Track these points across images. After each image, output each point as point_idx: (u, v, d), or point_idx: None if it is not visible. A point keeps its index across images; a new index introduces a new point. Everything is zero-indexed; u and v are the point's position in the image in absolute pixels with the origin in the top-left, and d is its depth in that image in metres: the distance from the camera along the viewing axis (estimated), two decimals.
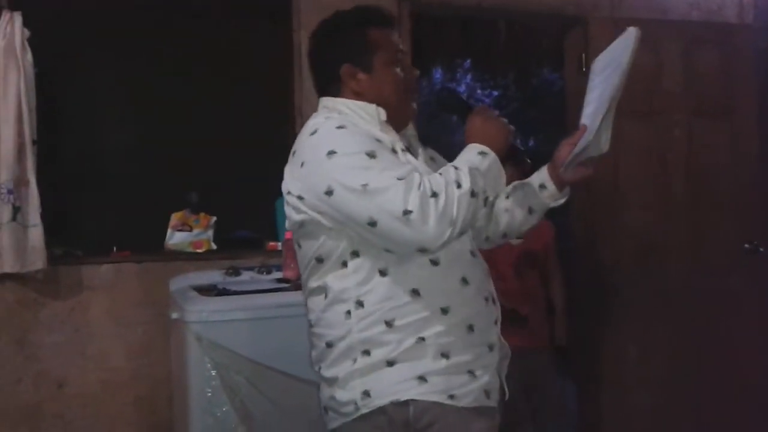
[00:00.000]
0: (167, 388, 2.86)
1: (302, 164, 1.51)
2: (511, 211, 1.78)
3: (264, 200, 3.18)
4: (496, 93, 6.86)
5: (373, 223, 1.43)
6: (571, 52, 3.58)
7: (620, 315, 3.43)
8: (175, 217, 3.04)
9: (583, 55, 3.40)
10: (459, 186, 1.44)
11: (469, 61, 6.29)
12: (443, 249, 1.47)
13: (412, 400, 1.50)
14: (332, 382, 1.57)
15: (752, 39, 3.68)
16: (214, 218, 3.08)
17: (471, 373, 1.55)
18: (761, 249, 3.49)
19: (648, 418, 3.44)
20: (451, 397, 1.52)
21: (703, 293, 3.43)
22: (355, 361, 1.53)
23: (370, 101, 1.61)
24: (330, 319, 1.56)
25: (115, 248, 2.96)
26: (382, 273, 1.51)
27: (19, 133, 2.63)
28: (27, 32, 2.67)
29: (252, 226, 3.24)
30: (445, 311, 1.53)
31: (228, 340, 2.39)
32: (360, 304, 1.52)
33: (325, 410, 1.63)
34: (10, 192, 2.60)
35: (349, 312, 1.53)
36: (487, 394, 1.58)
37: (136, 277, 2.90)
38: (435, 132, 6.22)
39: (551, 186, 1.73)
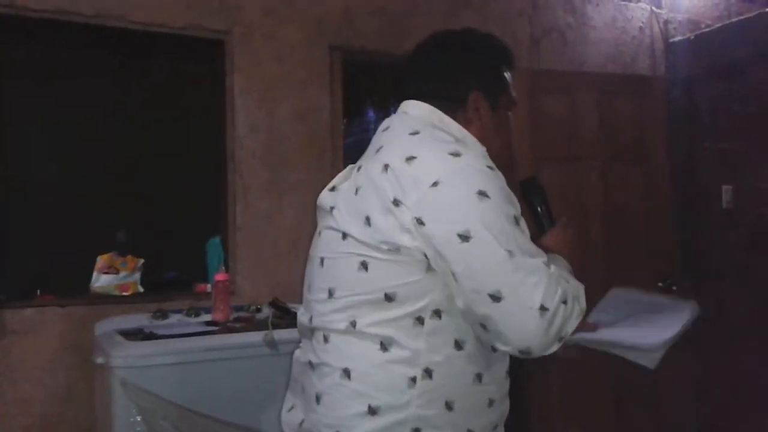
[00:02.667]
0: None
1: (436, 183, 1.25)
2: None
3: (193, 241, 3.19)
4: None
5: (497, 298, 1.23)
6: None
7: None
8: (101, 260, 3.00)
9: None
10: (578, 302, 1.31)
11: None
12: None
13: None
14: None
15: (663, 89, 3.91)
16: (142, 260, 3.06)
17: None
18: (674, 287, 3.68)
19: None
20: None
21: None
22: None
23: (483, 138, 1.44)
24: (386, 380, 1.28)
25: (39, 291, 2.90)
26: (459, 346, 1.29)
27: None
28: None
29: (182, 267, 3.23)
30: (491, 403, 1.36)
31: (154, 384, 2.36)
32: (428, 374, 1.27)
33: None
34: None
35: (414, 380, 1.27)
36: None
37: (61, 320, 2.85)
38: None
39: None
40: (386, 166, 1.31)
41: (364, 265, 1.29)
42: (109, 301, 2.94)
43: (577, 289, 1.33)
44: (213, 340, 2.57)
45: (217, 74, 3.26)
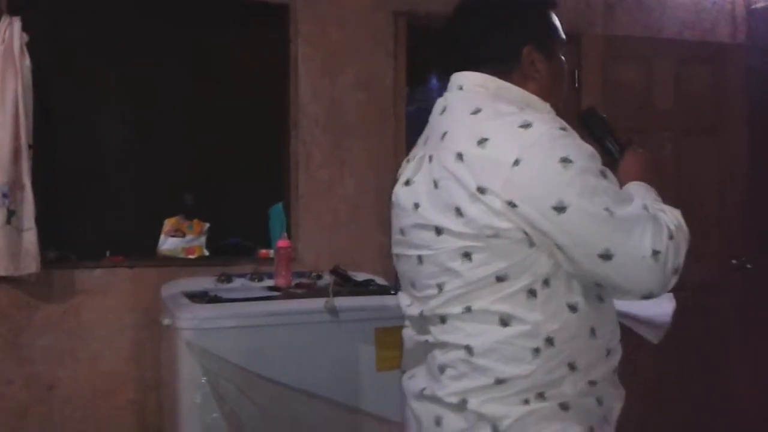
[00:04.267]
0: (157, 394, 2.88)
1: (516, 162, 1.23)
2: None
3: (257, 207, 3.21)
4: None
5: (608, 257, 1.23)
6: None
7: None
8: (168, 223, 3.06)
9: (576, 71, 3.43)
10: (682, 230, 1.31)
11: None
12: None
13: None
14: (493, 423, 1.32)
15: (744, 58, 3.72)
16: (207, 225, 3.10)
17: (607, 420, 1.43)
18: (748, 266, 3.54)
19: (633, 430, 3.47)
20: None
21: (689, 309, 3.45)
22: (527, 402, 1.32)
23: (540, 93, 1.39)
24: (510, 354, 1.31)
25: (108, 253, 2.98)
26: (572, 309, 1.31)
27: (16, 137, 2.64)
28: (26, 36, 2.69)
29: (244, 233, 3.26)
30: (608, 352, 1.38)
31: (218, 347, 2.40)
32: (550, 342, 1.30)
33: None
34: (5, 195, 2.62)
35: (537, 350, 1.30)
36: None
37: (129, 281, 2.92)
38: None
39: None
40: (459, 155, 1.29)
41: (468, 256, 1.30)
42: (176, 263, 3.00)
43: (675, 215, 1.33)
44: (276, 305, 2.60)
45: (281, 41, 3.25)
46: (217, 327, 2.44)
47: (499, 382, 1.31)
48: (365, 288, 2.84)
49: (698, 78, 3.57)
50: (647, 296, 1.29)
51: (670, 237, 1.26)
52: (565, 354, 1.31)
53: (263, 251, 3.14)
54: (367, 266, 3.14)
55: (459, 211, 1.28)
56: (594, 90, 3.41)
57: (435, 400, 1.38)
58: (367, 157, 3.27)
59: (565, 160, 1.23)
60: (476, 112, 1.32)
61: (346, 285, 2.84)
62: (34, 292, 2.77)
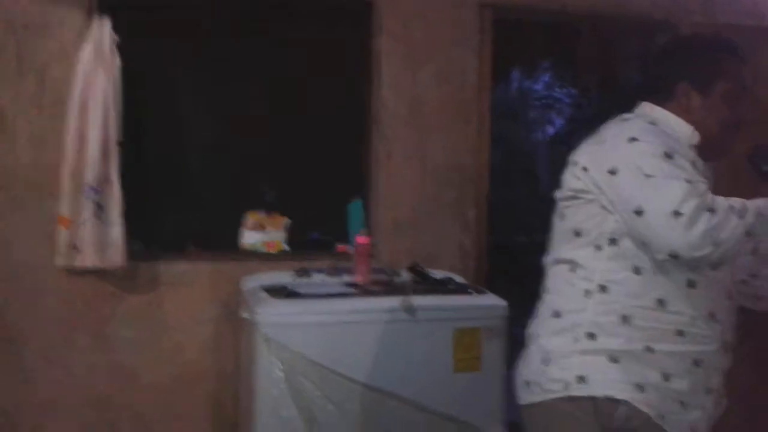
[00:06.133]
0: (234, 385, 2.91)
1: (602, 142, 1.60)
2: None
3: (336, 203, 3.21)
4: (574, 92, 6.77)
5: (639, 212, 1.47)
6: None
7: None
8: (250, 217, 3.10)
9: None
10: (741, 217, 1.45)
11: (548, 62, 6.18)
12: (699, 271, 1.51)
13: (626, 401, 1.53)
14: (546, 354, 1.60)
15: None
16: (287, 220, 3.12)
17: (683, 404, 1.56)
18: None
19: None
20: (661, 417, 1.54)
21: None
22: (577, 340, 1.56)
23: (692, 123, 1.63)
24: (567, 291, 1.60)
25: (191, 246, 3.03)
26: (636, 271, 1.53)
27: (105, 135, 2.71)
28: (116, 37, 2.77)
29: (323, 228, 3.26)
30: (680, 333, 1.54)
31: (296, 342, 2.42)
32: (603, 289, 1.55)
33: (526, 384, 1.65)
34: (94, 190, 2.70)
35: (589, 292, 1.56)
36: (692, 431, 1.58)
37: (210, 274, 2.96)
38: (513, 131, 6.18)
39: None
40: None
41: (562, 215, 1.66)
42: (256, 257, 3.02)
43: (744, 207, 1.46)
44: (353, 302, 2.58)
45: (362, 37, 3.22)
46: (294, 322, 2.45)
47: (556, 315, 1.61)
48: (443, 287, 2.78)
49: None
50: (673, 255, 1.44)
51: (709, 210, 1.42)
52: (618, 305, 1.53)
53: (341, 246, 3.14)
54: (446, 264, 3.09)
55: (561, 182, 1.67)
56: None
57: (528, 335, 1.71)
58: (448, 153, 3.21)
59: (632, 139, 1.54)
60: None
61: (423, 283, 2.80)
62: (120, 284, 2.85)
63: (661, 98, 1.67)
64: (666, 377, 1.54)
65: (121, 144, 2.78)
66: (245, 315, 2.58)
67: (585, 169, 1.58)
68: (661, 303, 1.53)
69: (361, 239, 2.79)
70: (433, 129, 3.20)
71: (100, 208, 2.71)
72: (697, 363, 1.55)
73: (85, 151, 2.70)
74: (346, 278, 2.82)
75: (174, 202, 3.20)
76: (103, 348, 2.85)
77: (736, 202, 1.48)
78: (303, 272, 2.85)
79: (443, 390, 2.52)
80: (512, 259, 4.78)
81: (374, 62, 3.16)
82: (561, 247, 1.65)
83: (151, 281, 2.90)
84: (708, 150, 1.64)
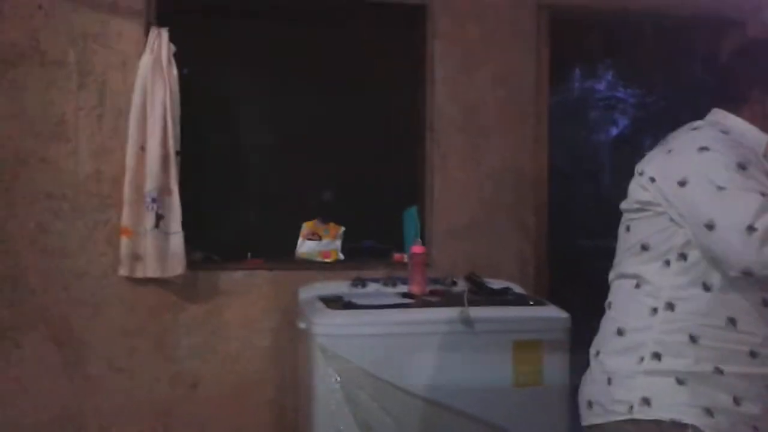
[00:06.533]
0: (294, 394, 2.92)
1: (670, 151, 1.52)
2: None
3: (391, 211, 3.18)
4: (638, 92, 6.59)
5: (710, 226, 1.40)
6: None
7: None
8: (306, 227, 3.10)
9: None
10: None
11: (610, 61, 6.03)
12: None
13: (694, 426, 1.45)
14: (610, 374, 1.54)
15: None
16: (343, 228, 3.11)
17: (756, 429, 1.48)
18: None
19: None
20: None
21: None
22: (642, 360, 1.49)
23: (765, 129, 1.57)
24: (632, 308, 1.54)
25: (249, 255, 3.05)
26: (706, 288, 1.46)
27: (164, 145, 2.76)
28: (173, 47, 2.80)
29: (378, 236, 3.24)
30: (753, 355, 1.46)
31: (352, 353, 2.40)
32: (671, 306, 1.48)
33: (589, 404, 1.59)
34: (154, 200, 2.74)
35: (655, 309, 1.49)
36: None
37: (268, 283, 2.98)
38: (574, 131, 6.05)
39: None
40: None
41: (628, 228, 1.60)
42: (312, 266, 3.03)
43: None
44: (409, 313, 2.55)
45: (416, 41, 3.18)
46: (350, 334, 2.44)
47: (620, 332, 1.54)
48: (502, 297, 2.72)
49: None
50: (747, 272, 1.38)
51: None
52: (686, 324, 1.46)
53: (397, 255, 3.11)
54: (504, 273, 3.04)
55: (627, 192, 1.61)
56: None
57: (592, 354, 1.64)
58: (505, 157, 3.15)
59: (703, 148, 1.46)
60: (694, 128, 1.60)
61: (481, 293, 2.75)
62: (180, 293, 2.89)
63: (733, 105, 1.60)
64: (737, 401, 1.45)
65: (180, 154, 2.82)
66: (302, 325, 2.58)
67: (652, 179, 1.52)
68: (732, 322, 1.45)
69: (417, 248, 2.76)
70: (489, 132, 3.15)
71: (160, 218, 2.75)
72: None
73: (145, 161, 2.75)
74: (402, 288, 2.79)
75: (233, 212, 3.23)
76: (165, 356, 2.89)
77: None
78: (359, 282, 2.84)
79: (502, 404, 2.46)
80: (575, 265, 4.66)
81: (428, 66, 3.12)
82: (626, 261, 1.58)
83: (210, 290, 2.93)
84: None
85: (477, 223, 3.13)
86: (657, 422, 1.46)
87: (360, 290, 2.80)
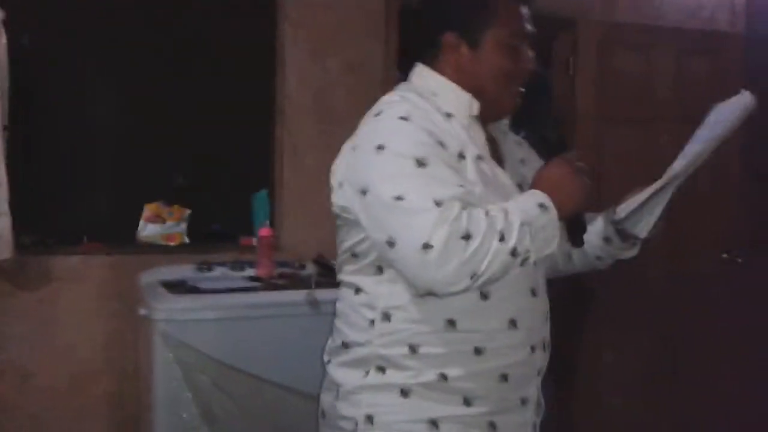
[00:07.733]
0: (135, 384, 2.81)
1: (354, 148, 1.38)
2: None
3: (240, 194, 3.13)
4: None
5: (391, 243, 1.27)
6: (559, 54, 3.52)
7: (596, 319, 3.42)
8: (148, 209, 2.99)
9: (570, 58, 3.34)
10: (501, 239, 1.24)
11: None
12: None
13: None
14: (338, 388, 1.44)
15: (743, 48, 3.63)
16: (188, 211, 3.03)
17: (492, 425, 1.39)
18: (739, 259, 3.48)
19: (622, 423, 3.44)
20: None
21: (680, 299, 3.42)
22: (367, 373, 1.40)
23: (467, 82, 1.42)
24: (353, 319, 1.42)
25: (85, 239, 2.90)
26: (419, 293, 1.35)
27: None
28: (2, 13, 2.60)
29: (227, 220, 3.18)
30: (478, 352, 1.37)
31: (195, 339, 2.35)
32: (386, 317, 1.37)
33: (322, 414, 1.51)
34: None
35: (373, 322, 1.38)
36: None
37: (107, 268, 2.85)
38: None
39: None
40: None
41: (337, 233, 1.47)
42: (155, 250, 2.93)
43: (507, 222, 1.26)
44: (255, 296, 2.54)
45: (267, 24, 3.15)
46: (193, 319, 2.39)
47: (345, 346, 1.44)
48: None
49: (698, 68, 3.50)
50: (430, 292, 1.28)
51: (464, 237, 1.22)
52: (404, 335, 1.36)
53: (246, 239, 3.07)
54: None
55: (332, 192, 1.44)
56: (587, 76, 3.33)
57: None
58: None
59: (380, 147, 1.30)
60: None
61: (329, 276, 2.78)
62: (9, 279, 2.70)
63: (429, 57, 1.45)
64: (468, 402, 1.37)
65: (8, 129, 2.61)
66: (143, 312, 2.48)
67: (340, 184, 1.38)
68: (451, 323, 1.35)
69: (264, 231, 2.75)
70: (339, 118, 3.14)
71: None
72: (504, 378, 1.39)
73: None
74: (250, 272, 2.77)
75: (68, 192, 3.03)
76: None
77: (498, 219, 1.26)
78: (205, 266, 2.78)
79: None
80: None
81: (278, 52, 3.10)
82: (344, 267, 1.46)
83: (43, 276, 2.76)
84: (488, 111, 1.43)
85: (328, 208, 3.14)
86: None
87: (205, 274, 2.75)
